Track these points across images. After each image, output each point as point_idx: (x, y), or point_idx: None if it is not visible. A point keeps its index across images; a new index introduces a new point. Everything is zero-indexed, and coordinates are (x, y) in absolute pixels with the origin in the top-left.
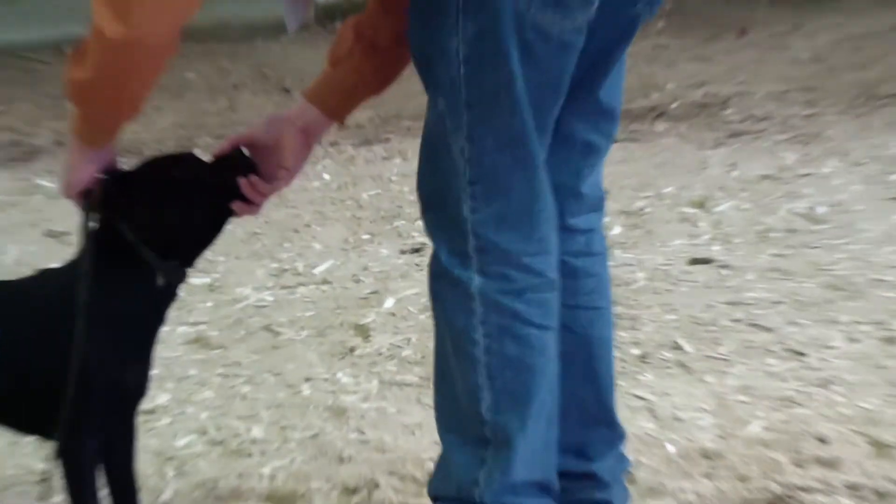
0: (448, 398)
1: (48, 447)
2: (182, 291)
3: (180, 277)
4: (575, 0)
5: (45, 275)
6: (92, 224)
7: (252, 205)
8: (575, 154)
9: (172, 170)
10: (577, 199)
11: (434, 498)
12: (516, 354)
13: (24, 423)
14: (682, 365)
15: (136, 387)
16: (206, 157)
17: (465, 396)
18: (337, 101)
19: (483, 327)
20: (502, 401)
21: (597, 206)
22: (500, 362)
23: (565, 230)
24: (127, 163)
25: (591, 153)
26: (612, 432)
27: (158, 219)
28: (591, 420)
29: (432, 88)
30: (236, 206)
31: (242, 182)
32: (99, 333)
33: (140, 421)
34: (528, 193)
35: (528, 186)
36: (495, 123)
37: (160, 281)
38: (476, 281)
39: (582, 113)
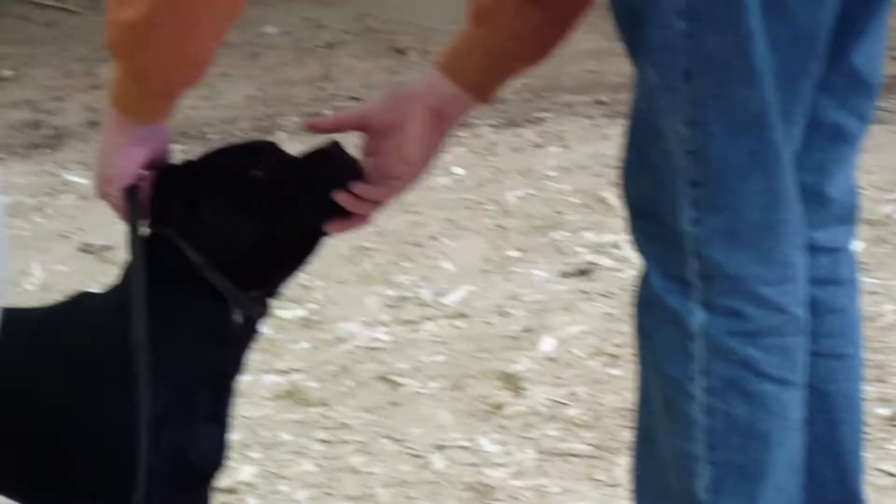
0: (652, 469)
1: None
2: (266, 328)
3: (262, 310)
4: None
5: (80, 303)
6: (142, 236)
7: (356, 217)
8: (819, 142)
9: (248, 167)
10: (821, 204)
11: None
12: (746, 417)
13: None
14: None
15: (208, 457)
16: (293, 147)
17: (675, 469)
18: (481, 73)
19: (704, 378)
20: (725, 479)
21: (847, 216)
22: (724, 426)
23: (806, 248)
24: (184, 152)
25: (841, 140)
26: None
27: (230, 234)
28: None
29: (640, 54)
30: (333, 223)
31: (341, 196)
32: (156, 386)
33: (217, 503)
34: (770, 199)
35: (768, 189)
36: (726, 101)
37: (237, 316)
38: (698, 316)
39: (828, 86)
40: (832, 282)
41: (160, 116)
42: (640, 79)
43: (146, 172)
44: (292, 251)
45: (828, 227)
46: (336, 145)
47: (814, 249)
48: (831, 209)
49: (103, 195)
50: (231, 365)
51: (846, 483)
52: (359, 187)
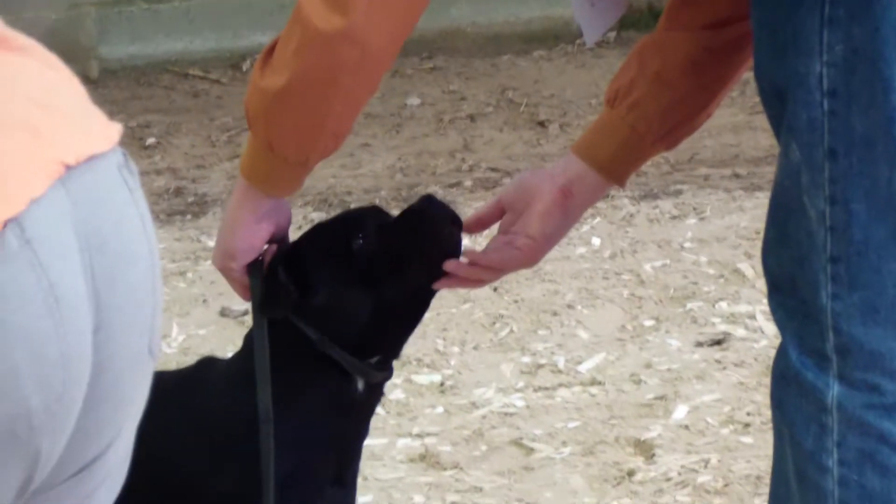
0: None
1: None
2: (401, 392)
3: (385, 375)
4: None
5: (205, 370)
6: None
7: (468, 280)
8: None
9: (349, 239)
10: None
11: None
12: (881, 490)
13: None
14: None
15: None
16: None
17: None
18: (612, 154)
19: (839, 451)
20: None
21: None
22: (858, 499)
23: None
24: (325, 217)
25: None
26: None
27: (344, 309)
28: None
29: (785, 131)
30: (443, 283)
31: (451, 265)
32: (280, 455)
33: None
34: None
35: None
36: (869, 180)
37: (359, 385)
38: (835, 390)
39: None
40: None
41: (291, 188)
42: (783, 155)
43: (273, 246)
44: (405, 312)
45: None
46: (429, 198)
47: None
48: None
49: (224, 269)
50: (354, 430)
51: None
52: (471, 254)
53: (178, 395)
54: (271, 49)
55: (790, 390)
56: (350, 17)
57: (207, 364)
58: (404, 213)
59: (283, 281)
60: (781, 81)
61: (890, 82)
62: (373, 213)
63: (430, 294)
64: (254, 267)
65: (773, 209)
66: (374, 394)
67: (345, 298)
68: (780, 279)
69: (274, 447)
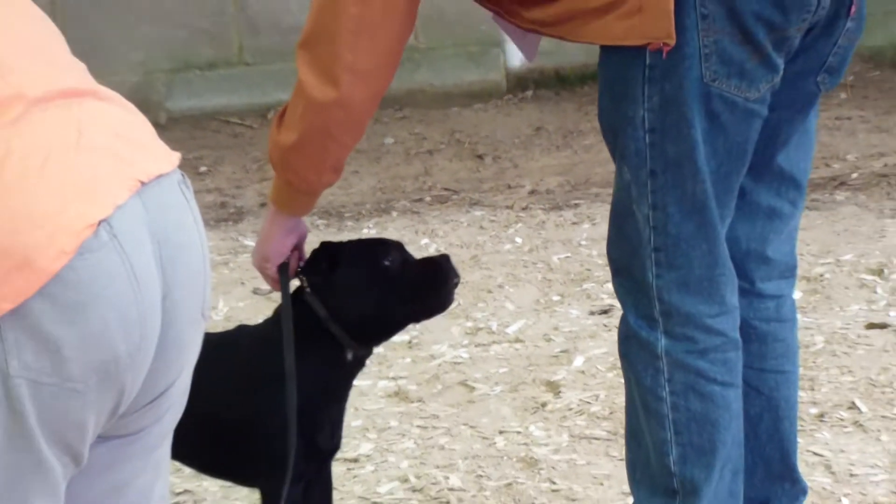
0: (638, 453)
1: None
2: (381, 348)
3: (367, 352)
4: (759, 70)
5: (240, 333)
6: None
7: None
8: (760, 219)
9: (381, 257)
10: (765, 263)
11: None
12: (701, 410)
13: (224, 471)
14: (858, 424)
15: (329, 442)
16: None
17: (654, 451)
18: None
19: (669, 385)
20: (689, 454)
21: (786, 272)
22: (685, 418)
23: (755, 295)
24: (326, 225)
25: (776, 218)
26: (795, 487)
27: (354, 301)
28: (775, 476)
29: (618, 158)
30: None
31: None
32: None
33: (345, 469)
34: (710, 259)
35: (709, 253)
36: (678, 192)
37: (348, 355)
38: (662, 342)
39: (763, 179)
40: (776, 319)
41: (307, 210)
42: (618, 175)
43: (298, 251)
44: (396, 324)
45: (771, 280)
46: (446, 257)
47: (761, 296)
48: (773, 267)
49: (261, 269)
50: (343, 384)
51: (786, 460)
52: None
53: (221, 351)
54: (283, 112)
55: (632, 345)
56: (339, 89)
57: (242, 329)
58: (426, 259)
59: (322, 258)
60: (616, 122)
61: (691, 122)
62: (399, 247)
63: (417, 320)
64: (282, 267)
65: (613, 215)
66: (359, 363)
67: (358, 294)
68: (619, 265)
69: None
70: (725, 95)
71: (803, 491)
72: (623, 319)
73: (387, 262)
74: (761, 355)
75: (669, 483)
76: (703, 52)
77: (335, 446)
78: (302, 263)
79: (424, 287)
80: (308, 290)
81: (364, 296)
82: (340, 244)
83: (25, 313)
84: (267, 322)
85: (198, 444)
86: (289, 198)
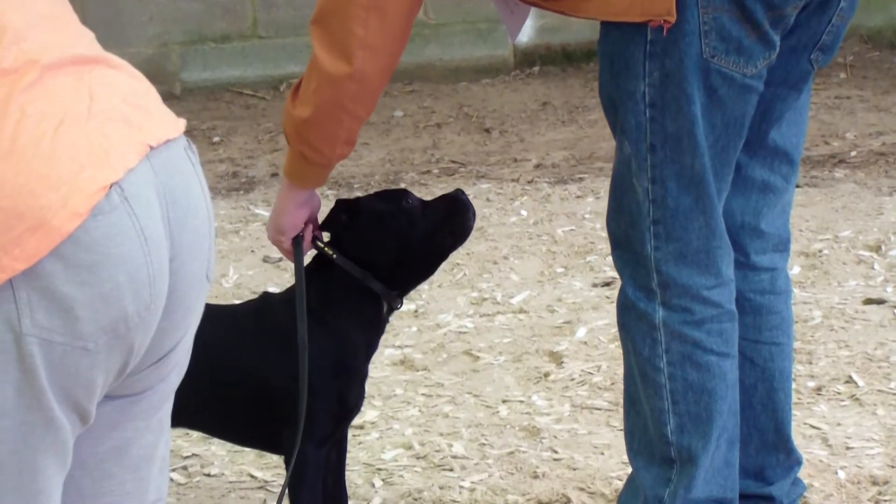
0: (636, 422)
1: (267, 456)
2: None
3: (401, 302)
4: (756, 46)
5: (265, 300)
6: (310, 260)
7: None
8: (754, 193)
9: (401, 200)
10: (759, 237)
11: None
12: (697, 380)
13: (248, 437)
14: (854, 398)
15: (356, 402)
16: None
17: (652, 420)
18: None
19: (666, 356)
20: (685, 423)
21: (780, 246)
22: (682, 387)
23: (749, 267)
24: (336, 196)
25: (769, 192)
26: (789, 458)
27: (388, 251)
28: (770, 446)
29: (619, 132)
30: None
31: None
32: (328, 354)
33: (350, 435)
34: (707, 232)
35: (706, 225)
36: (677, 166)
37: (385, 309)
38: (659, 313)
39: (757, 154)
40: (770, 292)
41: (320, 182)
42: (618, 149)
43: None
44: (425, 264)
45: (765, 253)
46: (461, 191)
47: (755, 269)
48: (767, 240)
49: (276, 242)
50: (375, 343)
51: (780, 431)
52: None
53: (249, 319)
54: (298, 86)
55: (630, 316)
56: (352, 63)
57: (268, 296)
58: (443, 196)
59: (340, 211)
60: (616, 97)
61: (691, 97)
62: (409, 192)
63: (443, 256)
64: (296, 239)
65: (613, 188)
66: (387, 318)
67: (385, 233)
68: (618, 238)
69: (332, 346)
70: (724, 71)
71: (798, 462)
72: (621, 290)
73: (405, 203)
74: (756, 327)
75: (667, 452)
76: (703, 28)
77: (359, 407)
78: (317, 233)
79: (447, 217)
80: (335, 256)
81: (392, 239)
82: (356, 198)
83: (38, 273)
84: (294, 288)
85: (225, 413)
86: (302, 170)
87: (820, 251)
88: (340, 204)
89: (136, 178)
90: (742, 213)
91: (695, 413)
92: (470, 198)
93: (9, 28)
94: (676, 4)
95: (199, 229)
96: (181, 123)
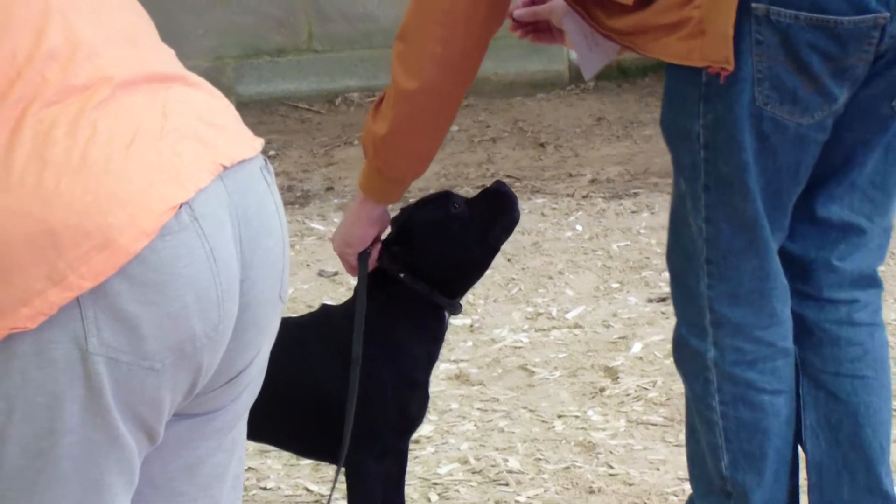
0: (696, 450)
1: (323, 470)
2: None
3: (459, 311)
4: (814, 99)
5: (326, 313)
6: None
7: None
8: (832, 232)
9: (448, 207)
10: (832, 272)
11: None
12: (750, 419)
13: (311, 448)
14: None
15: (418, 413)
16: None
17: (709, 454)
18: None
19: (719, 395)
20: (739, 460)
21: (861, 282)
22: (735, 426)
23: (823, 301)
24: (391, 209)
25: (850, 232)
26: (887, 503)
27: (444, 259)
28: (862, 489)
29: (676, 168)
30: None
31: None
32: (393, 368)
33: None
34: (760, 273)
35: (759, 267)
36: (729, 209)
37: (447, 319)
38: (711, 353)
39: (837, 196)
40: (849, 323)
41: (394, 199)
42: (675, 184)
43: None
44: (480, 264)
45: (842, 287)
46: (502, 182)
47: (833, 301)
48: (842, 276)
49: (342, 254)
50: (436, 352)
51: (871, 471)
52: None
53: (310, 331)
54: (380, 101)
55: (683, 353)
56: (426, 79)
57: (328, 308)
58: (485, 191)
59: (392, 253)
60: (674, 133)
61: (742, 144)
62: (452, 194)
63: (495, 253)
64: (362, 255)
65: (671, 222)
66: (447, 323)
67: (447, 248)
68: (675, 272)
69: (393, 358)
70: (777, 118)
71: None
72: (676, 327)
73: (454, 209)
74: (836, 359)
75: (722, 485)
76: (757, 76)
77: (422, 418)
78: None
79: (495, 214)
80: (402, 276)
81: (448, 250)
82: (403, 222)
83: (105, 292)
84: (352, 301)
85: (286, 425)
86: (378, 186)
87: None
88: (391, 238)
89: (207, 197)
90: (817, 249)
91: (748, 451)
92: (524, 213)
93: (83, 44)
94: (733, 52)
95: (272, 250)
96: (258, 143)
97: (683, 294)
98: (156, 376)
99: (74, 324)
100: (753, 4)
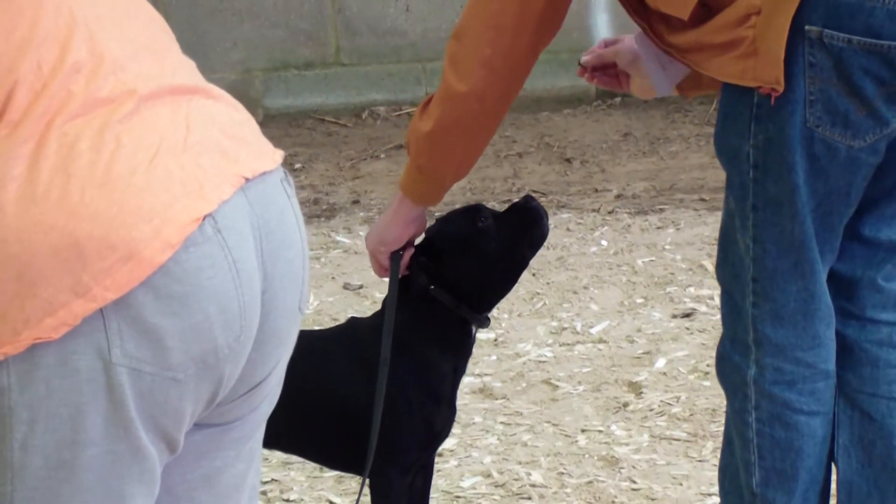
0: (729, 463)
1: (346, 482)
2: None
3: (487, 325)
4: (866, 122)
5: (353, 325)
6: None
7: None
8: (880, 252)
9: (475, 221)
10: (878, 291)
11: None
12: (785, 438)
13: (337, 460)
14: None
15: (444, 427)
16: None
17: (742, 468)
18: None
19: (756, 412)
20: (771, 477)
21: None
22: (769, 444)
23: (865, 320)
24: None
25: None
26: None
27: (472, 276)
28: None
29: (727, 186)
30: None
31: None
32: (418, 381)
33: None
34: (805, 294)
35: (804, 289)
36: (777, 230)
37: (475, 332)
38: (752, 371)
39: (887, 218)
40: (889, 345)
41: (433, 201)
42: (725, 201)
43: (412, 247)
44: (508, 278)
45: (885, 308)
46: (531, 197)
47: (876, 322)
48: (887, 297)
49: (374, 252)
50: (464, 366)
51: None
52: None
53: (337, 344)
54: (429, 101)
55: (725, 367)
56: (474, 82)
57: (355, 321)
58: (514, 206)
59: (421, 264)
60: (725, 151)
61: (792, 165)
62: (483, 207)
63: (523, 267)
64: (395, 255)
65: (721, 238)
66: (475, 337)
67: (473, 264)
68: (724, 287)
69: (419, 372)
70: (828, 141)
71: None
72: (721, 340)
73: (481, 223)
74: (874, 380)
75: (752, 501)
76: (809, 98)
77: (447, 432)
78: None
79: (522, 230)
80: (432, 287)
81: (475, 266)
82: (429, 237)
83: (129, 303)
84: (380, 313)
85: (312, 435)
86: (418, 186)
87: None
88: (419, 249)
89: (230, 209)
90: (863, 269)
91: (780, 469)
92: (551, 227)
93: (107, 57)
94: (785, 73)
95: (292, 261)
96: (279, 155)
97: (730, 309)
98: (178, 387)
99: (98, 334)
100: (807, 27)
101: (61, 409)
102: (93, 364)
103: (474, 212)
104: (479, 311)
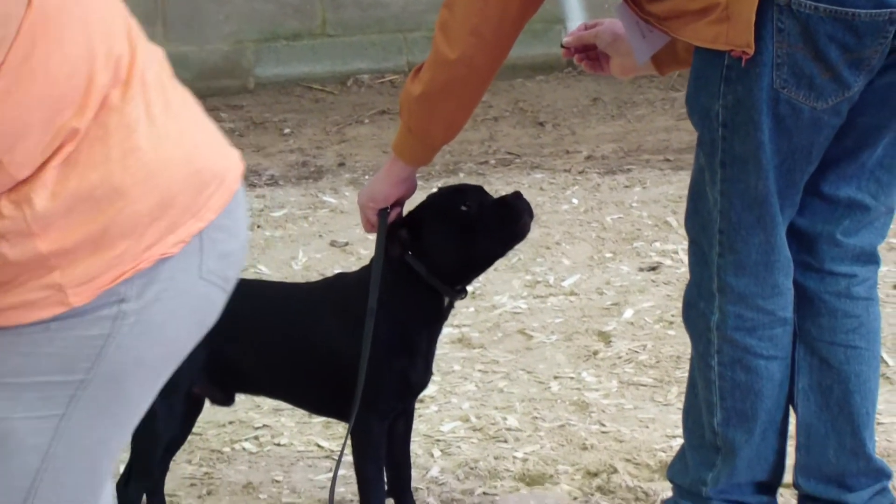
0: (693, 404)
1: (333, 427)
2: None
3: (462, 296)
4: (830, 85)
5: (339, 278)
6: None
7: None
8: (838, 210)
9: (459, 204)
10: (836, 246)
11: (671, 481)
12: (745, 381)
13: (322, 406)
14: (885, 377)
15: (419, 380)
16: (471, 180)
17: (704, 409)
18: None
19: (718, 356)
20: (731, 417)
21: (863, 258)
22: (730, 386)
23: (824, 273)
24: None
25: (856, 209)
26: (869, 465)
27: (446, 253)
28: (848, 451)
29: (698, 143)
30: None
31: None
32: (393, 337)
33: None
34: (766, 247)
35: (766, 241)
36: (742, 185)
37: (446, 302)
38: (715, 317)
39: (847, 175)
40: (847, 296)
41: (423, 161)
42: (696, 158)
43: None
44: (484, 262)
45: (845, 262)
46: (517, 195)
47: (833, 274)
48: (845, 250)
49: (364, 208)
50: (438, 329)
51: (857, 435)
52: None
53: (327, 292)
54: (420, 67)
55: (691, 313)
56: (459, 50)
57: (342, 276)
58: (501, 199)
59: (400, 233)
60: (696, 110)
61: (759, 124)
62: (477, 190)
63: (501, 255)
64: (382, 212)
65: (690, 191)
66: (451, 307)
67: (447, 245)
68: (692, 237)
69: (395, 329)
70: (793, 102)
71: (883, 474)
72: (688, 287)
73: (464, 208)
74: (831, 329)
75: (713, 440)
76: (776, 61)
77: (423, 385)
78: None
79: (503, 224)
80: (409, 252)
81: (452, 247)
82: (415, 210)
83: (216, 224)
84: (366, 268)
85: (300, 384)
86: (408, 146)
87: None
88: (404, 219)
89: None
90: (823, 224)
91: (740, 410)
92: (524, 187)
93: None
94: (755, 37)
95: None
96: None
97: (697, 259)
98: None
99: (195, 252)
100: None
101: (158, 316)
102: (191, 279)
103: (463, 193)
104: (451, 285)
